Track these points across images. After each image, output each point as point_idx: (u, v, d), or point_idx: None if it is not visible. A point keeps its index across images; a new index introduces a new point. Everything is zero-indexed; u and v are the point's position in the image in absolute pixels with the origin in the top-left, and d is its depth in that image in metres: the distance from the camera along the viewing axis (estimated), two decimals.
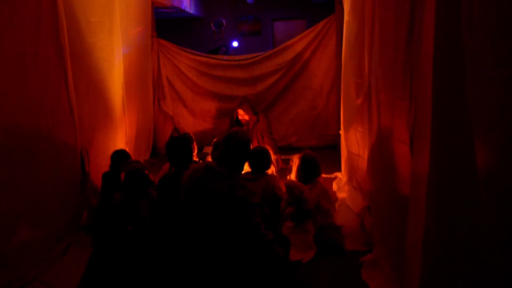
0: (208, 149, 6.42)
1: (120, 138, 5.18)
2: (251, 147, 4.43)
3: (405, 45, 2.72)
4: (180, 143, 3.79)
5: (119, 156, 4.28)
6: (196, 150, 4.46)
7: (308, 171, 4.10)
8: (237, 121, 6.10)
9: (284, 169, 5.23)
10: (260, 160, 4.04)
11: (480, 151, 1.88)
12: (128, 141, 5.72)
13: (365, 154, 4.06)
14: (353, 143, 4.56)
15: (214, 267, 2.84)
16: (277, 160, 5.71)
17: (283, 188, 3.90)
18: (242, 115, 6.05)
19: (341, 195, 4.96)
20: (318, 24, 7.24)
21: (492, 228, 1.84)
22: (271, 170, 4.58)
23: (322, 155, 6.41)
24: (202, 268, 2.86)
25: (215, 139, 4.47)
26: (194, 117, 7.65)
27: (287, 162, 5.05)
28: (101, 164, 4.43)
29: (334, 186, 5.32)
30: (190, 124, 7.62)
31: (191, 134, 4.44)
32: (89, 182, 4.27)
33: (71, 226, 3.92)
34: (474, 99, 1.89)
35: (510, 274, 1.77)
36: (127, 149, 4.70)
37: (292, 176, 4.23)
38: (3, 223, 3.10)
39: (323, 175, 5.57)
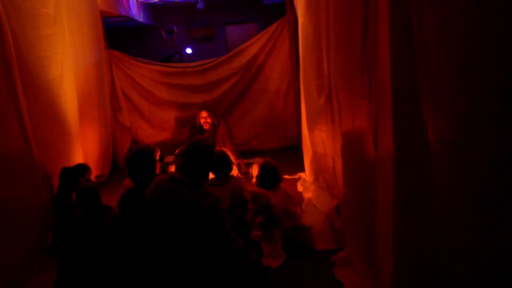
0: (170, 159, 6.33)
1: (77, 154, 5.02)
2: (216, 152, 4.41)
3: (361, 44, 2.78)
4: (141, 157, 3.62)
5: (68, 174, 4.14)
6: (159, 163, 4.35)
7: (269, 179, 4.12)
8: (201, 127, 6.02)
9: (247, 173, 5.23)
10: (221, 164, 4.01)
11: (433, 143, 1.97)
12: (90, 155, 5.58)
13: (330, 152, 4.09)
14: (319, 143, 4.59)
15: (186, 276, 2.78)
16: (239, 165, 5.69)
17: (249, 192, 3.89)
18: (205, 117, 5.96)
19: (307, 195, 4.97)
20: (270, 26, 7.26)
21: (449, 219, 1.91)
22: (235, 172, 4.56)
23: (284, 156, 6.48)
24: (173, 276, 2.80)
25: (177, 149, 4.38)
26: (152, 127, 7.50)
27: (249, 166, 5.05)
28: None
29: (299, 187, 5.34)
30: (148, 134, 7.46)
31: (152, 146, 4.33)
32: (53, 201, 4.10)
33: (36, 248, 3.75)
34: (426, 91, 1.98)
35: (475, 264, 1.84)
36: (88, 164, 4.52)
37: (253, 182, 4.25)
38: None
39: (287, 176, 5.61)
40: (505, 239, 1.70)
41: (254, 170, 4.26)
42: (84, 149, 5.31)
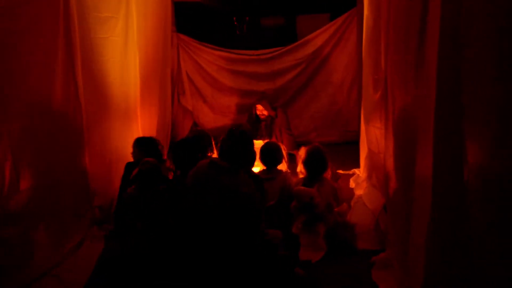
0: None
1: (135, 134, 5.18)
2: (267, 143, 4.42)
3: (417, 40, 2.63)
4: (183, 147, 3.71)
5: (145, 144, 4.25)
6: (213, 148, 4.38)
7: (314, 165, 4.03)
8: (256, 117, 6.07)
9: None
10: (270, 155, 4.01)
11: (472, 151, 1.83)
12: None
13: (383, 151, 3.96)
14: (372, 140, 4.47)
15: (216, 264, 2.81)
16: (290, 154, 5.66)
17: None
18: (261, 110, 6.03)
19: (358, 192, 4.86)
20: (339, 18, 7.14)
21: (486, 228, 1.79)
22: (284, 166, 4.53)
23: (342, 151, 6.36)
24: (204, 265, 2.84)
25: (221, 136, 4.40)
26: (214, 112, 7.63)
27: None
28: (110, 159, 4.47)
29: (351, 183, 5.23)
30: (210, 119, 7.61)
31: (206, 132, 4.37)
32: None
33: (84, 220, 3.94)
34: (469, 99, 1.85)
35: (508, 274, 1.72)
36: None
37: (298, 169, 4.18)
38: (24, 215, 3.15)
39: (341, 171, 5.51)
40: None
41: (300, 155, 4.19)
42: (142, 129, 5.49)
